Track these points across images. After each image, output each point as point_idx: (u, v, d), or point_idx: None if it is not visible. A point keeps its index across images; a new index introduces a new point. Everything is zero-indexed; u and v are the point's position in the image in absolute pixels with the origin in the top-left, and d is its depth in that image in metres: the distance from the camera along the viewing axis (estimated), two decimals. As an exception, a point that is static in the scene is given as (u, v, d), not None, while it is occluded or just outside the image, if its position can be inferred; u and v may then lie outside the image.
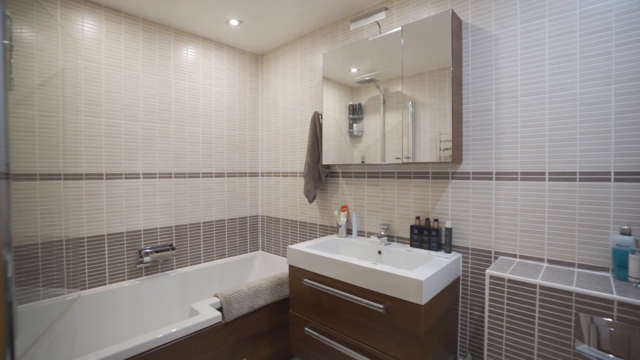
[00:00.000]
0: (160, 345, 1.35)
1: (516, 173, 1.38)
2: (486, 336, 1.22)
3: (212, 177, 2.40)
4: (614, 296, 0.97)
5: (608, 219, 1.17)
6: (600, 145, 1.18)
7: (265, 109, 2.66)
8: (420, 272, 1.26)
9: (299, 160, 2.37)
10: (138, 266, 2.00)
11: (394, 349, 1.27)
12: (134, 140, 1.99)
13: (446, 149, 1.44)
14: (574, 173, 1.24)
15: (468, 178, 1.52)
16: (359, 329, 1.39)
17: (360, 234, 1.98)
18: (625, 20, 1.12)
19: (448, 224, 1.53)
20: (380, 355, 1.32)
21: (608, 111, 1.16)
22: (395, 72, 1.62)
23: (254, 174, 2.68)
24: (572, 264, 1.25)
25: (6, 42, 0.39)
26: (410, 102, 1.56)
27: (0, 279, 0.38)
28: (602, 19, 1.17)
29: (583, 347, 1.02)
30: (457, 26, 1.47)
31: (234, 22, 2.09)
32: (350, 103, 1.84)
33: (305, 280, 1.59)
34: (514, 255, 1.39)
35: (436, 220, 1.59)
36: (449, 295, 1.43)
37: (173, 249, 2.11)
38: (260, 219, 2.72)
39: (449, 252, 1.53)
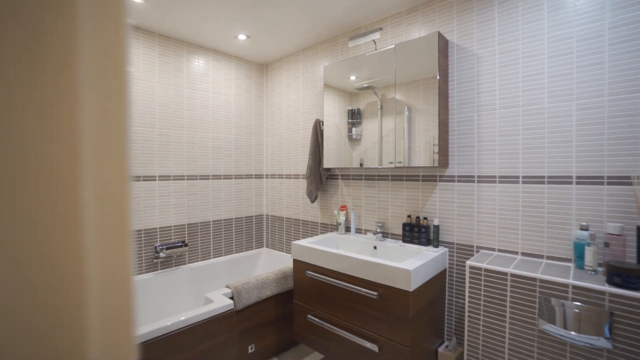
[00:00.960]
0: (182, 328, 1.53)
1: (494, 176, 1.56)
2: (467, 318, 1.41)
3: (220, 179, 2.58)
4: (569, 281, 1.15)
5: (570, 217, 1.35)
6: (564, 153, 1.36)
7: (270, 115, 2.84)
8: (410, 263, 1.44)
9: (301, 163, 2.55)
10: (154, 261, 2.18)
11: (386, 331, 1.45)
12: (150, 146, 2.18)
13: (437, 153, 1.62)
14: (543, 177, 1.42)
15: (453, 181, 1.70)
16: (356, 314, 1.57)
17: (358, 231, 2.16)
18: (583, 46, 1.31)
19: (436, 222, 1.71)
20: (375, 337, 1.50)
21: (570, 124, 1.35)
22: (390, 80, 1.79)
23: (259, 176, 2.87)
24: (541, 256, 1.43)
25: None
26: (406, 108, 1.73)
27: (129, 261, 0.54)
28: (565, 44, 1.35)
29: (546, 326, 1.20)
30: (443, 45, 1.65)
31: (242, 37, 2.28)
32: (350, 108, 2.02)
33: (308, 272, 1.77)
34: (493, 249, 1.57)
35: (425, 218, 1.77)
36: (436, 284, 1.61)
37: (185, 245, 2.30)
38: (265, 218, 2.90)
39: (437, 246, 1.71)
